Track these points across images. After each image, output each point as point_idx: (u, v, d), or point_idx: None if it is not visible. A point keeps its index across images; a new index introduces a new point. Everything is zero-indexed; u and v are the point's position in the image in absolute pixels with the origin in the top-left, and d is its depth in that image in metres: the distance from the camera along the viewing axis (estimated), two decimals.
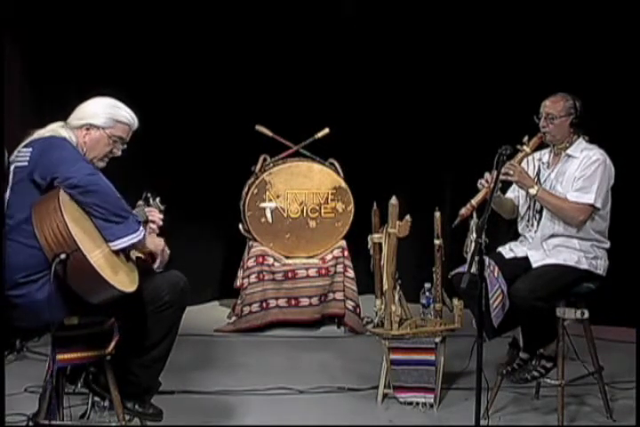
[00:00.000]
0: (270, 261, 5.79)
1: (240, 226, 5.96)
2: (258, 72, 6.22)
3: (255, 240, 5.85)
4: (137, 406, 3.70)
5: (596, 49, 5.66)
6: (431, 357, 4.39)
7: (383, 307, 4.43)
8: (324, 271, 5.80)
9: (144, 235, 3.46)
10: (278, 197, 5.84)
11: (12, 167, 3.49)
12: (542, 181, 4.35)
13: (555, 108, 4.28)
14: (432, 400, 4.38)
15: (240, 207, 5.93)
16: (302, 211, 5.87)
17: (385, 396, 4.47)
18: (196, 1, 6.00)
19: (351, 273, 5.83)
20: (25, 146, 3.50)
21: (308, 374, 4.89)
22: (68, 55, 5.62)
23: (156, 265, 3.63)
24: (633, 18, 5.38)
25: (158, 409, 3.77)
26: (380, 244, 4.46)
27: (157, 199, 3.82)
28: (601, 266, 4.28)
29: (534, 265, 4.24)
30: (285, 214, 5.86)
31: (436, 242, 4.44)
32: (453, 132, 6.26)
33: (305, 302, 5.80)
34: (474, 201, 4.17)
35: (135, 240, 3.42)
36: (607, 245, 4.33)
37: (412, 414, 4.35)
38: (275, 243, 5.85)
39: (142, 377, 3.69)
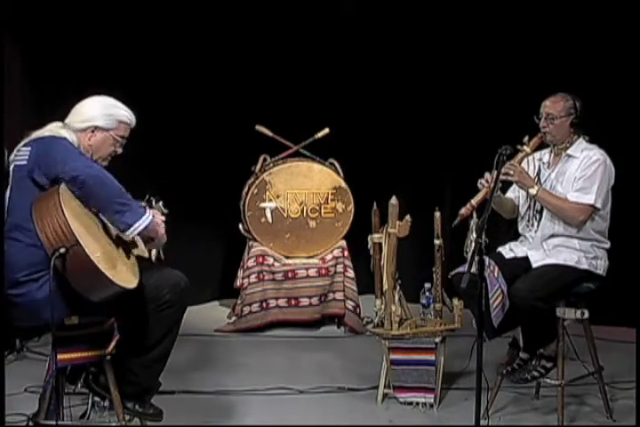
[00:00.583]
0: (270, 261, 5.79)
1: (240, 226, 5.96)
2: (258, 72, 6.22)
3: (255, 240, 5.86)
4: (137, 407, 3.70)
5: (596, 49, 5.66)
6: (431, 357, 4.39)
7: (383, 307, 4.43)
8: (323, 271, 5.80)
9: (152, 217, 3.46)
10: (278, 197, 5.84)
11: (11, 166, 3.50)
12: (542, 181, 4.35)
13: (555, 108, 4.28)
14: (432, 400, 4.38)
15: (240, 207, 5.93)
16: (302, 211, 5.87)
17: (385, 396, 4.47)
18: (196, 2, 6.00)
19: (351, 273, 5.83)
20: (24, 145, 3.51)
21: (308, 374, 4.89)
22: (67, 55, 5.62)
23: (154, 254, 3.64)
24: (633, 18, 5.38)
25: (158, 409, 3.77)
26: (380, 244, 4.46)
27: (160, 203, 3.83)
28: (601, 266, 4.28)
29: (534, 265, 4.24)
30: (285, 214, 5.86)
31: (436, 242, 4.44)
32: (453, 132, 6.26)
33: (305, 302, 5.80)
34: (474, 201, 4.17)
35: (147, 223, 3.42)
36: (607, 245, 4.33)
37: (412, 414, 4.35)
38: (275, 243, 5.85)
39: (142, 377, 3.69)
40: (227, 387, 4.60)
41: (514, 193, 4.47)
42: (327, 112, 6.17)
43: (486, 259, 3.92)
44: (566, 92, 4.32)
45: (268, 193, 5.83)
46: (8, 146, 3.59)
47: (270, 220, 5.82)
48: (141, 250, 3.69)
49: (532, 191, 4.22)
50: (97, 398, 3.73)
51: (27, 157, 3.45)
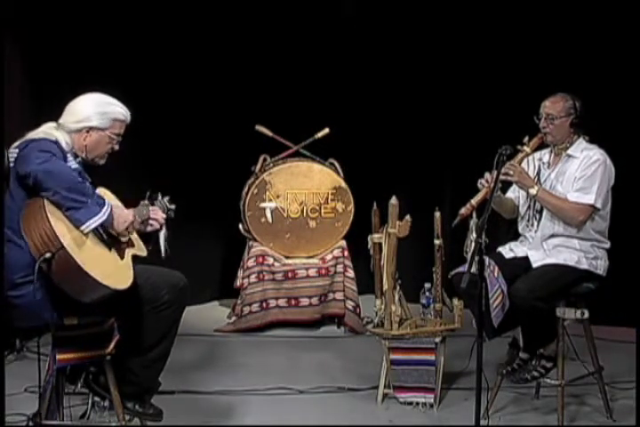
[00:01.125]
0: (270, 261, 5.79)
1: (240, 226, 5.96)
2: (258, 72, 6.21)
3: (255, 240, 5.85)
4: (137, 406, 3.71)
5: (596, 49, 5.66)
6: (431, 357, 4.39)
7: (383, 307, 4.43)
8: (323, 271, 5.80)
9: (107, 216, 3.40)
10: (278, 197, 5.84)
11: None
12: (542, 180, 4.35)
13: (554, 108, 4.28)
14: (432, 400, 4.38)
15: (240, 207, 5.93)
16: (302, 211, 5.87)
17: (385, 396, 4.48)
18: (196, 2, 6.00)
19: (351, 273, 5.83)
20: (15, 147, 3.49)
21: (308, 374, 4.89)
22: (68, 55, 5.61)
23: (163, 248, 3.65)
24: (633, 18, 5.38)
25: (158, 409, 3.77)
26: (380, 244, 4.46)
27: (166, 198, 3.81)
28: (601, 266, 4.28)
29: (534, 265, 4.24)
30: (285, 214, 5.86)
31: (436, 242, 4.44)
32: (453, 132, 6.26)
33: (305, 302, 5.80)
34: (473, 201, 4.17)
35: (101, 220, 3.37)
36: (607, 245, 4.33)
37: (412, 414, 4.35)
38: (275, 243, 5.85)
39: (142, 377, 3.69)
40: (227, 387, 4.60)
41: (514, 193, 4.47)
42: (327, 112, 6.17)
43: (486, 259, 3.92)
44: (566, 92, 4.32)
45: (267, 193, 5.82)
46: (8, 146, 3.58)
47: (270, 220, 5.82)
48: (140, 248, 3.69)
49: (532, 191, 4.22)
50: (97, 398, 3.73)
51: (14, 160, 3.45)
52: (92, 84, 3.76)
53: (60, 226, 3.31)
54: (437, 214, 4.42)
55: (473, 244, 3.81)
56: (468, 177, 4.39)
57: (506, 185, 4.38)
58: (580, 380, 4.26)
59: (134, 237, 3.67)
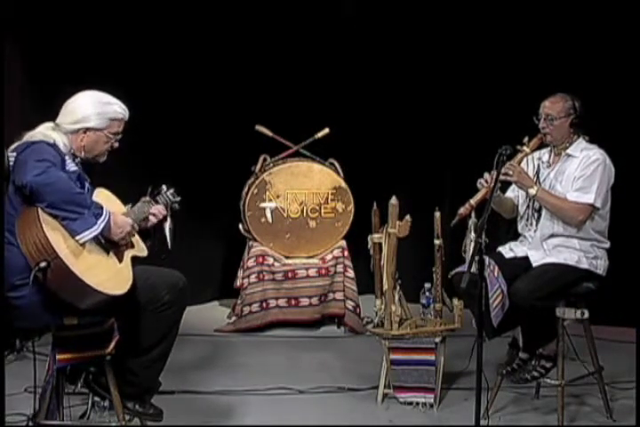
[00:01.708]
0: (270, 261, 5.79)
1: (240, 226, 5.96)
2: (258, 72, 6.21)
3: (255, 240, 5.85)
4: (137, 406, 3.71)
5: (596, 49, 5.65)
6: (431, 357, 4.39)
7: (383, 307, 4.43)
8: (324, 271, 5.80)
9: (104, 227, 3.39)
10: (278, 197, 5.84)
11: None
12: (542, 180, 4.35)
13: (554, 109, 4.27)
14: (432, 400, 4.38)
15: (240, 207, 5.93)
16: (302, 211, 5.87)
17: (385, 396, 4.47)
18: (196, 3, 5.99)
19: (351, 273, 5.83)
20: (13, 150, 3.47)
21: (308, 374, 4.89)
22: (68, 55, 5.61)
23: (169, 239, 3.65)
24: (633, 18, 5.38)
25: (158, 409, 3.77)
26: (380, 244, 4.46)
27: (170, 191, 3.80)
28: (601, 266, 4.28)
29: (534, 265, 4.24)
30: (285, 214, 5.86)
31: (436, 242, 4.44)
32: (453, 133, 6.25)
33: (305, 302, 5.80)
34: (473, 201, 4.17)
35: (97, 232, 3.37)
36: (607, 245, 4.33)
37: (412, 414, 4.35)
38: (275, 243, 5.85)
39: (142, 377, 3.69)
40: (227, 387, 4.60)
41: (513, 192, 4.47)
42: (327, 112, 6.16)
43: (486, 259, 3.92)
44: (566, 93, 4.32)
45: (267, 193, 5.82)
46: (8, 146, 3.57)
47: (270, 220, 5.82)
48: (140, 249, 3.68)
49: (532, 191, 4.22)
50: (97, 398, 3.73)
51: (12, 164, 3.44)
52: (92, 84, 3.76)
53: (54, 235, 3.31)
54: (437, 214, 4.42)
55: (472, 243, 3.82)
56: (467, 177, 4.39)
57: (505, 184, 4.38)
58: (580, 380, 4.26)
59: (134, 237, 3.66)
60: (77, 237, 3.35)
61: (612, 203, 4.29)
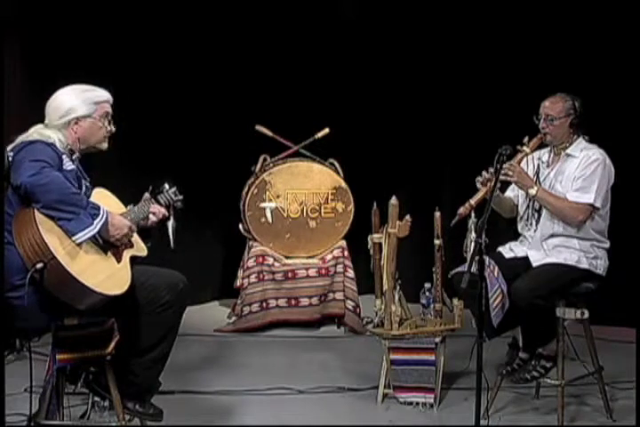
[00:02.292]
0: (270, 261, 5.79)
1: (240, 226, 5.96)
2: (258, 72, 6.21)
3: (255, 240, 5.85)
4: (137, 406, 3.70)
5: (596, 49, 5.65)
6: (431, 357, 4.38)
7: (383, 307, 4.43)
8: (324, 271, 5.80)
9: (100, 227, 3.39)
10: (278, 197, 5.84)
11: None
12: (541, 180, 4.35)
13: (554, 109, 4.28)
14: (432, 400, 4.38)
15: (240, 207, 5.93)
16: (302, 211, 5.87)
17: (385, 396, 4.47)
18: (196, 3, 6.00)
19: (351, 273, 5.83)
20: (10, 149, 3.47)
21: (308, 374, 4.89)
22: (68, 55, 5.61)
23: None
24: (633, 18, 5.38)
25: (158, 409, 3.77)
26: (380, 244, 4.46)
27: (172, 189, 3.79)
28: (601, 266, 4.28)
29: (534, 265, 4.24)
30: (285, 214, 5.86)
31: (436, 242, 4.44)
32: (453, 133, 6.26)
33: (305, 302, 5.80)
34: (472, 200, 4.17)
35: (93, 233, 3.37)
36: (607, 244, 4.33)
37: (412, 414, 4.35)
38: (275, 243, 5.85)
39: (142, 377, 3.69)
40: (227, 387, 4.60)
41: (513, 192, 4.47)
42: (327, 112, 6.16)
43: (486, 259, 3.91)
44: (566, 93, 4.32)
45: (267, 193, 5.82)
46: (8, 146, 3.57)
47: (270, 220, 5.82)
48: (139, 249, 3.68)
49: (532, 191, 4.22)
50: (97, 398, 3.73)
51: (9, 165, 3.43)
52: (92, 85, 3.76)
53: (51, 236, 3.31)
54: (437, 214, 4.42)
55: (472, 243, 3.81)
56: (467, 177, 4.38)
57: (504, 184, 4.38)
58: (580, 380, 4.26)
59: (134, 237, 3.66)
60: (74, 238, 3.35)
61: (611, 203, 4.30)
